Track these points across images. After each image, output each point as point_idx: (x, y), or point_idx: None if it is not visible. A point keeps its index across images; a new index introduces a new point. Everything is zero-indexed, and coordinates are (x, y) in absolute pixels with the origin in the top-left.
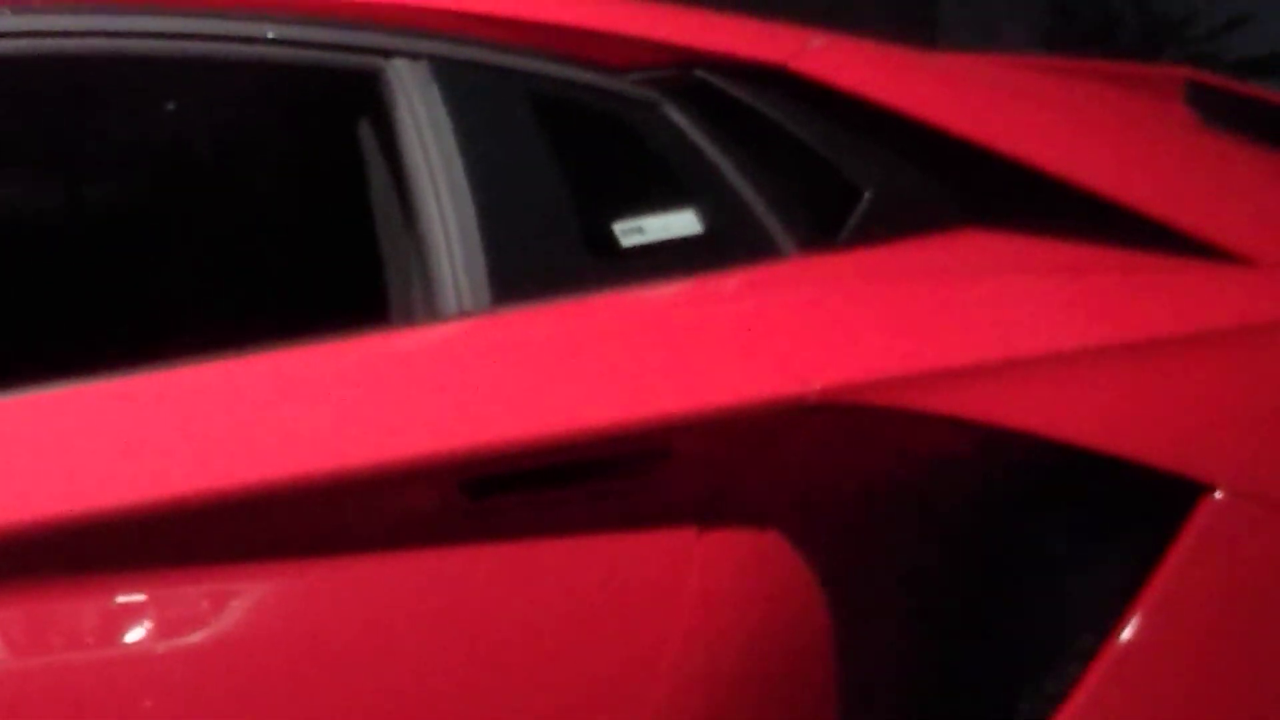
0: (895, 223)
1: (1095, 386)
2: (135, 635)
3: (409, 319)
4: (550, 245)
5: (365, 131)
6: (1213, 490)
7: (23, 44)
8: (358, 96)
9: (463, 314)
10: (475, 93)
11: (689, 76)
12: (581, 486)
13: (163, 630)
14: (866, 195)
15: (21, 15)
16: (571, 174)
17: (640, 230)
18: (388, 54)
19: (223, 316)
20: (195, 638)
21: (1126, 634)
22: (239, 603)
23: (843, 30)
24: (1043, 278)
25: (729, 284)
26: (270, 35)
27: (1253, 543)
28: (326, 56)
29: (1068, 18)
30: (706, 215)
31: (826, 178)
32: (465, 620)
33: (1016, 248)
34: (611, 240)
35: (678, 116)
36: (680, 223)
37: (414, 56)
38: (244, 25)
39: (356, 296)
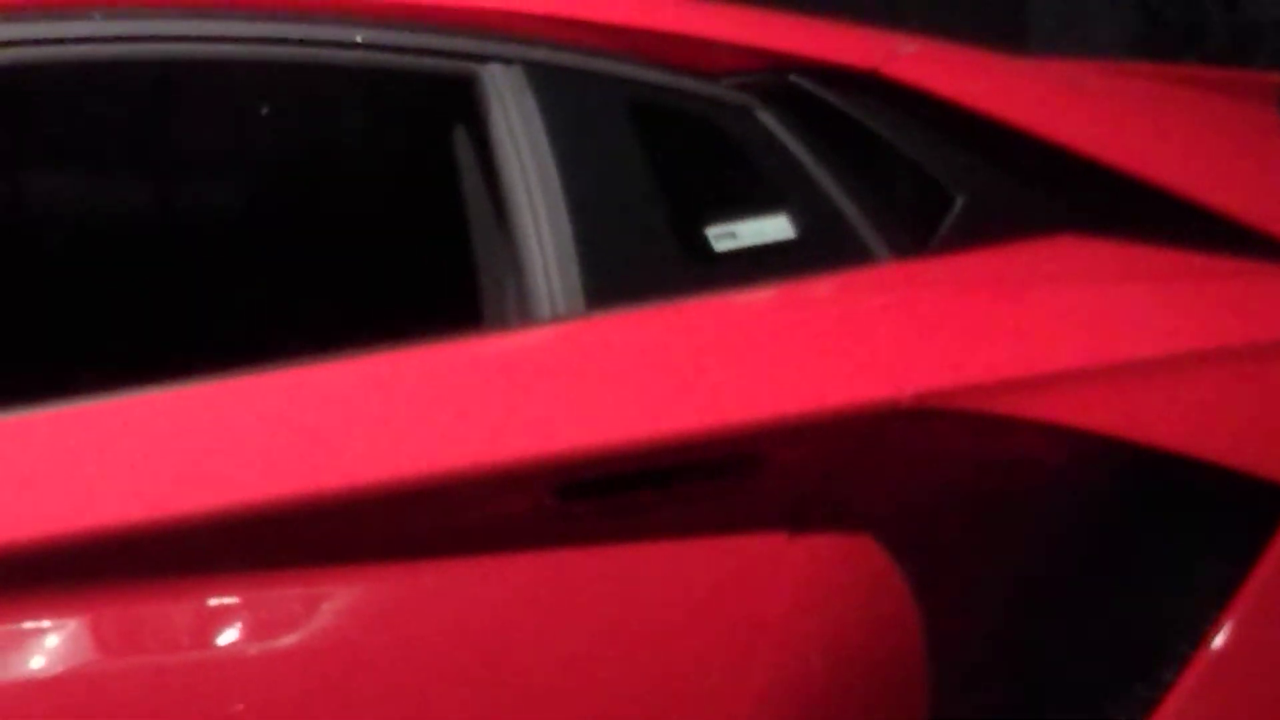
0: (988, 228)
1: (1188, 392)
2: (228, 638)
3: (503, 323)
4: (644, 250)
5: (460, 137)
6: None
7: (119, 49)
8: (452, 102)
9: (556, 318)
10: (570, 98)
11: (782, 81)
12: (675, 491)
13: (256, 633)
14: (959, 201)
15: (116, 20)
16: (665, 179)
17: (733, 235)
18: (482, 59)
19: (320, 321)
20: (288, 641)
21: (1219, 639)
22: (332, 606)
23: (934, 35)
24: (1135, 283)
25: (821, 289)
26: (360, 40)
27: None
28: (421, 62)
29: (1157, 22)
30: (799, 220)
31: (919, 183)
32: (559, 625)
33: (1109, 253)
34: (705, 245)
35: (771, 121)
36: (773, 227)
37: (508, 61)
38: (336, 30)
39: (451, 301)
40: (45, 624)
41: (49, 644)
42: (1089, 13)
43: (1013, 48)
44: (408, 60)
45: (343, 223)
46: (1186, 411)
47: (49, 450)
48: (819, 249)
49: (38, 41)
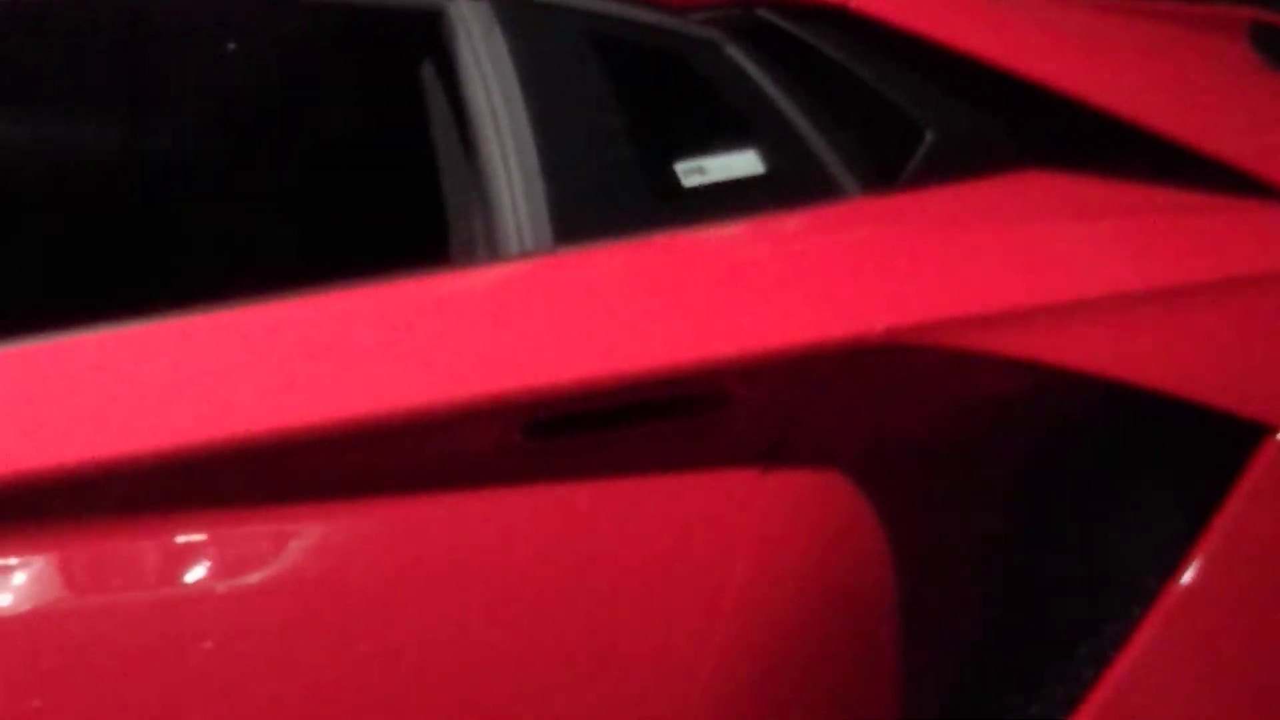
0: (957, 163)
1: (1158, 327)
2: (195, 575)
3: (471, 259)
4: (612, 185)
5: (428, 71)
6: (1275, 432)
7: None
8: (420, 36)
9: (524, 254)
10: (537, 32)
11: (750, 16)
12: (644, 428)
13: (222, 570)
14: (928, 136)
15: None
16: (633, 114)
17: (702, 170)
18: None
19: (285, 256)
20: (255, 578)
21: (1188, 576)
22: (299, 543)
23: None
24: (1105, 218)
25: (790, 224)
26: None
27: None
28: None
29: None
30: (768, 155)
31: (888, 118)
32: (526, 560)
33: (1078, 188)
34: (673, 180)
35: (739, 56)
36: (742, 163)
37: None
38: None
39: (419, 236)
40: (11, 561)
41: (15, 581)
42: None
43: None
44: None
45: (311, 158)
46: (1158, 347)
47: (18, 386)
48: (788, 184)
49: None
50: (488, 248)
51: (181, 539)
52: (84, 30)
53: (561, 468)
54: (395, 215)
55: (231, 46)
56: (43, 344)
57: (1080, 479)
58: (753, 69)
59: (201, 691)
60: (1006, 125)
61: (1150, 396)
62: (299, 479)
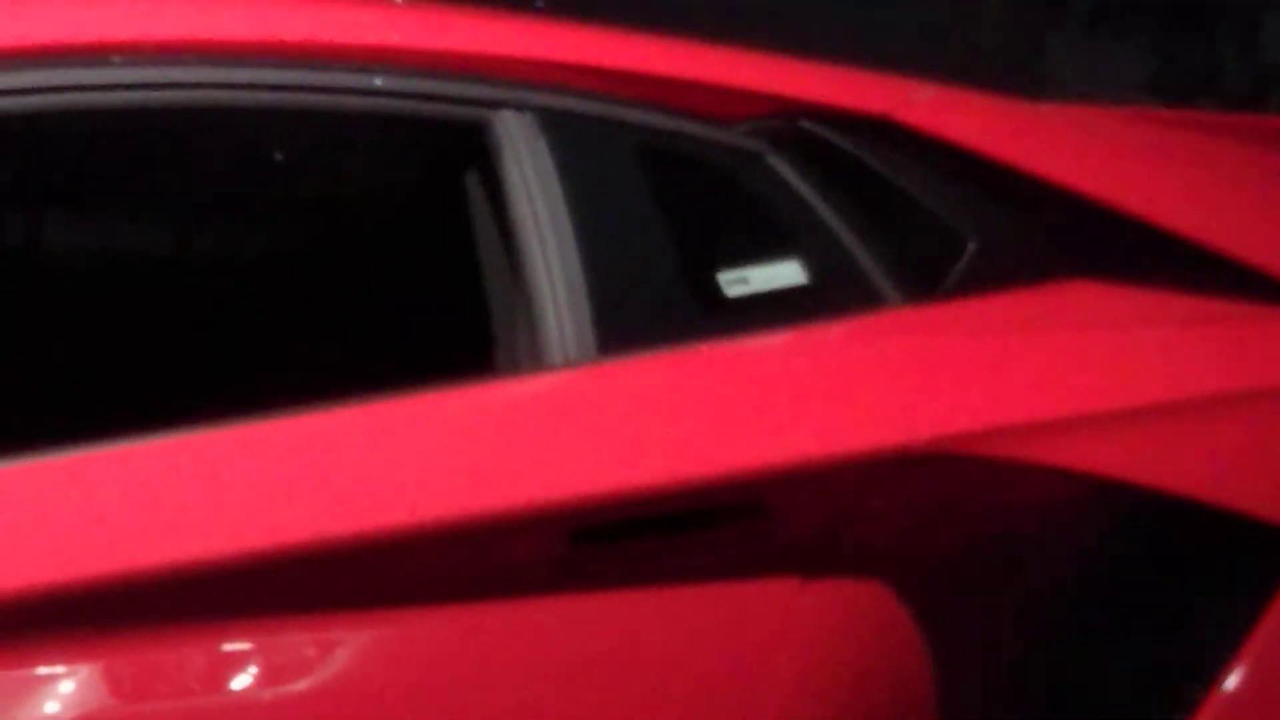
0: (1000, 274)
1: (1200, 436)
2: (241, 683)
3: (516, 369)
4: (655, 296)
5: (472, 183)
6: None
7: (132, 96)
8: (465, 148)
9: (568, 364)
10: (581, 144)
11: (794, 127)
12: (686, 536)
13: (269, 678)
14: (971, 246)
15: (131, 68)
16: (676, 225)
17: (745, 280)
18: (495, 105)
19: (335, 367)
20: (300, 685)
21: (1230, 683)
22: (345, 651)
23: (948, 80)
24: (1147, 328)
25: (833, 334)
26: (378, 85)
27: None
28: (433, 108)
29: (1173, 66)
30: (811, 266)
31: (931, 228)
32: (572, 669)
33: (1121, 299)
34: (717, 290)
35: (783, 167)
36: (785, 273)
37: (521, 108)
38: (351, 77)
39: (464, 347)
40: (59, 669)
41: (62, 690)
42: (1106, 56)
43: (1029, 91)
44: (421, 106)
45: (357, 269)
46: (1198, 456)
47: (68, 494)
48: (830, 294)
49: (55, 89)
50: (531, 358)
51: (228, 647)
52: (134, 138)
53: (605, 576)
54: (440, 325)
55: (278, 157)
56: (90, 452)
57: (1121, 587)
58: (795, 180)
59: None
60: (1049, 235)
61: (1190, 505)
62: (345, 589)
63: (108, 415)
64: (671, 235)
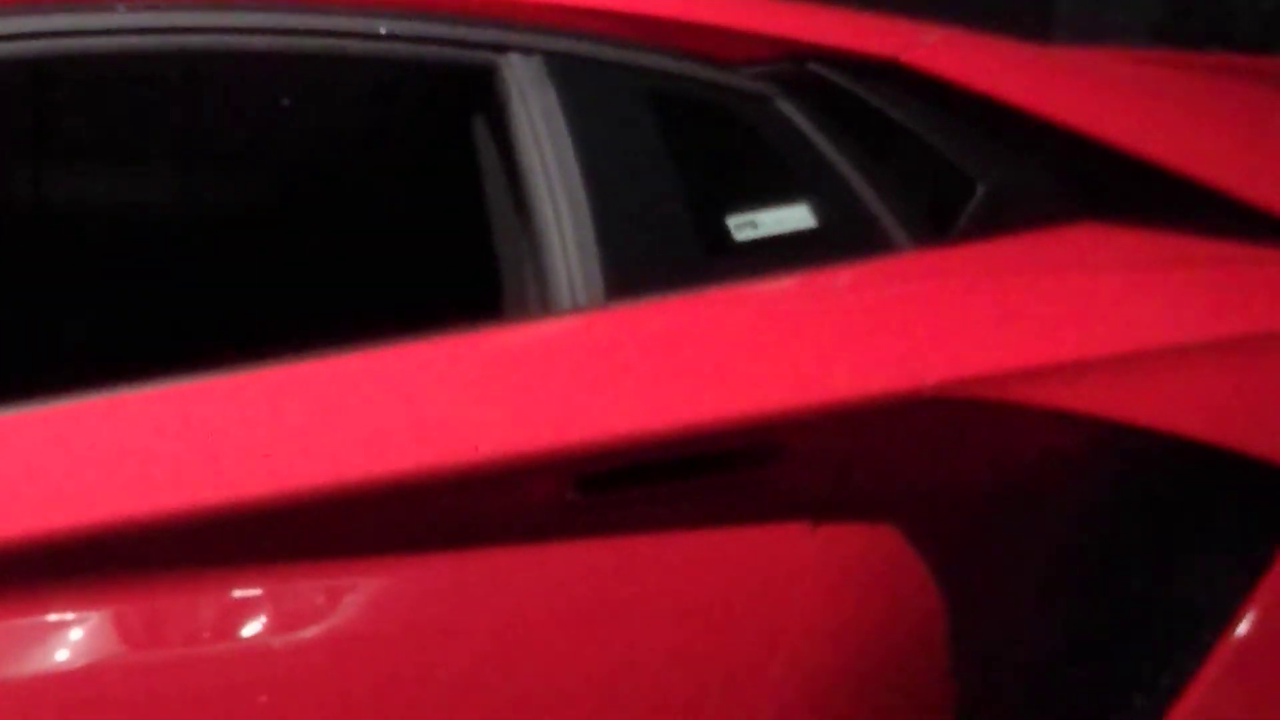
0: (1009, 216)
1: (1210, 379)
2: (251, 630)
3: (523, 314)
4: (664, 240)
5: (479, 127)
6: None
7: (139, 40)
8: (472, 92)
9: (577, 308)
10: (589, 88)
11: (802, 70)
12: (697, 481)
13: (279, 625)
14: (980, 189)
15: (138, 13)
16: (685, 169)
17: (754, 224)
18: (502, 49)
19: (341, 312)
20: (311, 633)
21: (1241, 629)
22: (354, 598)
23: (956, 24)
24: (1157, 271)
25: (843, 278)
26: (383, 31)
27: None
28: (440, 52)
29: (1183, 11)
30: (820, 209)
31: (940, 171)
32: (582, 614)
33: (1131, 241)
34: (725, 235)
35: (791, 110)
36: (793, 217)
37: (528, 52)
38: (357, 21)
39: (471, 291)
40: (69, 616)
41: (72, 637)
42: (1114, 1)
43: (1036, 36)
44: (427, 51)
45: (363, 214)
46: (1208, 399)
47: (78, 441)
48: (839, 238)
49: (61, 34)
50: (540, 303)
51: (239, 594)
52: (137, 86)
53: (615, 522)
54: (447, 270)
55: (285, 102)
56: (101, 398)
57: (1132, 530)
58: (804, 123)
59: None
60: (1058, 177)
61: (1202, 449)
62: (353, 534)
63: (122, 360)
64: (679, 179)
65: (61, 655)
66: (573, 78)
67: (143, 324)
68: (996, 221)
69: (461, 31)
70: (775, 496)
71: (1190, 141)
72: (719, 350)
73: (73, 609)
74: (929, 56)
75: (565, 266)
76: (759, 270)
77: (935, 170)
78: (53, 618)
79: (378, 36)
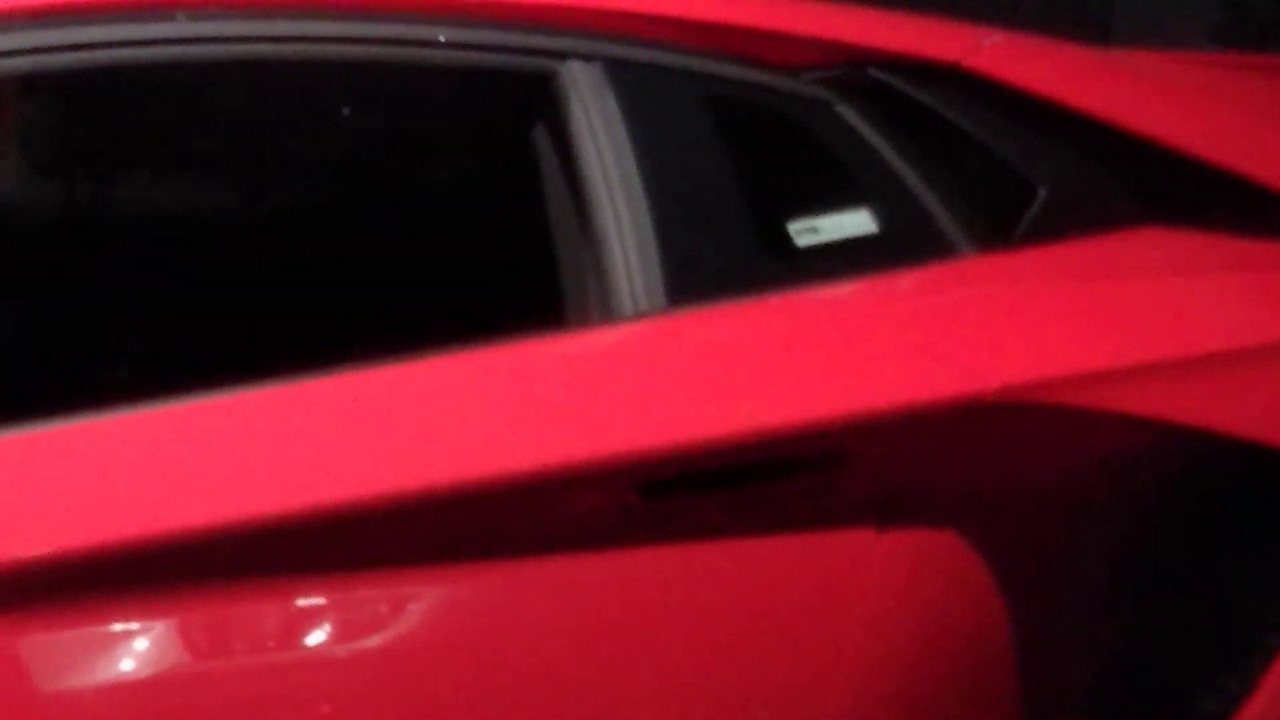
0: (1071, 221)
1: (1272, 383)
2: (315, 639)
3: (585, 321)
4: (725, 245)
5: (540, 134)
6: None
7: (200, 49)
8: (532, 99)
9: (639, 315)
10: (649, 94)
11: (862, 75)
12: (760, 488)
13: (342, 634)
14: (1042, 193)
15: (198, 22)
16: (746, 174)
17: (815, 230)
18: (562, 56)
19: (402, 320)
20: (374, 641)
21: None
22: (418, 606)
23: (1015, 28)
24: (1220, 274)
25: (904, 283)
26: (443, 39)
27: None
28: (500, 59)
29: (1241, 13)
30: (881, 214)
31: (1001, 176)
32: (645, 621)
33: (1194, 245)
34: (786, 240)
35: (851, 116)
36: (855, 222)
37: (588, 58)
38: (416, 29)
39: (533, 299)
40: (134, 626)
41: (137, 647)
42: (1173, 2)
43: (1094, 39)
44: (488, 58)
45: (426, 221)
46: (1273, 403)
47: (142, 452)
48: (901, 243)
49: (122, 44)
50: (602, 309)
51: (303, 602)
52: (200, 95)
53: (679, 528)
54: (510, 278)
55: (346, 111)
56: (161, 409)
57: (1197, 534)
58: (864, 128)
59: None
60: (1121, 181)
61: (1267, 452)
62: (419, 542)
63: (184, 368)
64: (740, 185)
65: (127, 665)
66: (632, 84)
67: (213, 332)
68: (1057, 226)
69: (521, 38)
70: (839, 503)
71: (1250, 144)
72: (781, 356)
73: (137, 618)
74: (990, 61)
75: (627, 273)
76: (821, 276)
77: (997, 175)
78: (118, 628)
79: (437, 44)
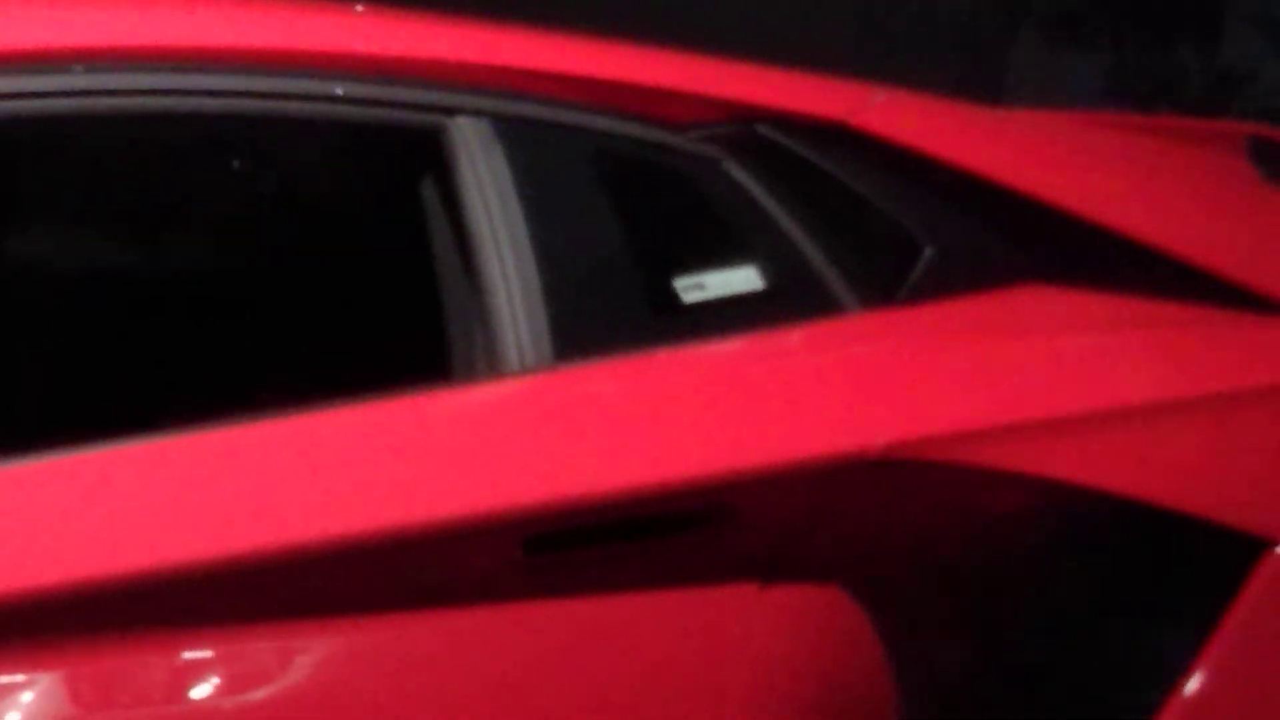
0: (957, 279)
1: (1157, 442)
2: (200, 692)
3: (471, 375)
4: (612, 301)
5: (428, 189)
6: (1275, 546)
7: (93, 102)
8: (421, 154)
9: (525, 370)
10: (537, 150)
11: (750, 132)
12: (644, 543)
13: (227, 687)
14: (927, 251)
15: (92, 74)
16: (633, 230)
17: (701, 286)
18: (451, 111)
19: (288, 374)
20: (259, 694)
21: (1190, 688)
22: (303, 659)
23: (907, 86)
24: (1104, 333)
25: (791, 340)
26: (337, 93)
27: None
28: (388, 114)
29: (1133, 73)
30: (767, 271)
31: (888, 233)
32: (527, 677)
33: (1078, 303)
34: (673, 296)
35: (739, 173)
36: (741, 279)
37: (477, 114)
38: (305, 83)
39: (420, 353)
40: (18, 678)
41: (23, 700)
42: (1064, 63)
43: (987, 97)
44: (375, 113)
45: (311, 276)
46: (1155, 461)
47: (22, 502)
48: (787, 300)
49: (15, 96)
50: (488, 364)
51: (188, 655)
52: (89, 150)
53: (563, 584)
54: (395, 332)
55: (236, 164)
56: (52, 460)
57: (1082, 592)
58: (752, 185)
59: None
60: (1005, 240)
61: (1150, 511)
62: (301, 596)
63: (75, 425)
64: (628, 241)
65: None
66: (521, 140)
67: (92, 387)
68: (944, 284)
69: (410, 94)
70: (724, 558)
71: (1139, 204)
72: (667, 412)
73: (23, 671)
74: (878, 119)
75: (514, 328)
76: (707, 332)
77: (883, 233)
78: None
79: (325, 98)
